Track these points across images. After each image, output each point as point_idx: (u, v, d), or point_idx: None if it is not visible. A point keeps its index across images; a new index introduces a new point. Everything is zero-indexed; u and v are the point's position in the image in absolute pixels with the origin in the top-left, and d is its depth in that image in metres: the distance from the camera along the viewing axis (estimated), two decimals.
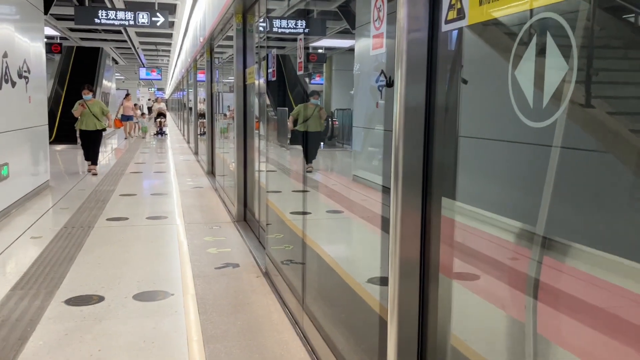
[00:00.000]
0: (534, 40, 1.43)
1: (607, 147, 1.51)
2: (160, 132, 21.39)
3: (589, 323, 1.56)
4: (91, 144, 10.09)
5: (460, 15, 1.65)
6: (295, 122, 4.60)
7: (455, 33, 1.75)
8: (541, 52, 1.41)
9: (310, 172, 3.93)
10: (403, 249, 1.87)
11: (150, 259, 4.64)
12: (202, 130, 12.88)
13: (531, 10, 1.44)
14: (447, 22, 1.71)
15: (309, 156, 4.03)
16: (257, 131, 5.91)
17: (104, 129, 10.27)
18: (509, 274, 1.92)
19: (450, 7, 1.69)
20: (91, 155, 10.11)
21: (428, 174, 1.84)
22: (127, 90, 27.84)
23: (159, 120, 21.41)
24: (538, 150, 1.59)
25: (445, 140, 1.83)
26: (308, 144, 4.12)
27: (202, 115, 13.03)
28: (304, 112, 4.59)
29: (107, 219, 6.21)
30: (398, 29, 1.79)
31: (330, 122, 6.40)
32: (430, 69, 1.81)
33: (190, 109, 17.24)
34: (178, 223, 6.11)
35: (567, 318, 1.64)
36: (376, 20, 2.14)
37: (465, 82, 1.83)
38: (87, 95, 9.90)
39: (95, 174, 9.88)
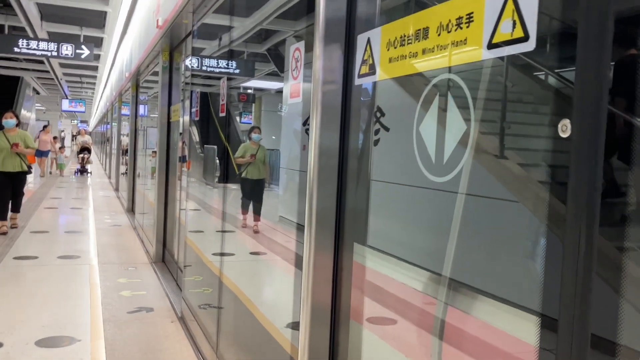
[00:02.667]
0: (436, 99, 1.52)
1: (519, 198, 1.62)
2: (83, 170, 18.50)
3: None
4: (11, 192, 7.48)
5: (372, 70, 1.73)
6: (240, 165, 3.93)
7: (369, 85, 1.83)
8: (443, 110, 1.50)
9: (257, 231, 3.76)
10: (315, 294, 1.88)
11: (59, 302, 4.38)
12: (126, 169, 11.54)
13: (439, 69, 1.52)
14: (360, 76, 1.79)
15: (253, 210, 3.83)
16: (184, 169, 5.79)
17: (29, 171, 7.81)
18: (418, 319, 1.97)
19: (363, 62, 1.77)
20: (12, 205, 7.63)
21: (341, 219, 1.88)
22: (48, 122, 26.55)
23: (82, 155, 18.68)
24: (445, 196, 1.66)
25: (358, 186, 1.88)
26: (249, 194, 3.87)
27: (126, 152, 12.33)
28: (245, 154, 4.01)
29: (14, 258, 5.84)
30: (314, 80, 1.85)
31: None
32: (345, 117, 1.87)
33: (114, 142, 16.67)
34: (92, 263, 5.83)
35: None
36: (294, 70, 2.20)
37: (387, 129, 1.90)
38: (9, 120, 7.38)
39: (15, 226, 7.66)
